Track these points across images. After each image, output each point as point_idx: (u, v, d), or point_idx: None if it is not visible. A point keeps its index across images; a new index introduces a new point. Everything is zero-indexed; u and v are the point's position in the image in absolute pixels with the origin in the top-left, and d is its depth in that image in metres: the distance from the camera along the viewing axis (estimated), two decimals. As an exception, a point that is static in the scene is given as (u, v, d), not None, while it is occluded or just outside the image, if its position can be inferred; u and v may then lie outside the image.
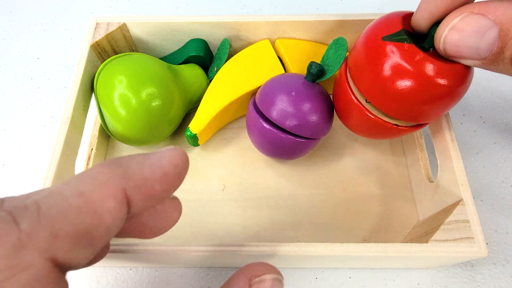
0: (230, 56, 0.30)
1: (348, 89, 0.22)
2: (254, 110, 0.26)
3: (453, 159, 0.22)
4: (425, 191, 0.26)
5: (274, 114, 0.24)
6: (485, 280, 0.25)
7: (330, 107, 0.25)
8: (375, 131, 0.23)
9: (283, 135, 0.24)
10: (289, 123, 0.24)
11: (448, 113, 0.24)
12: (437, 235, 0.20)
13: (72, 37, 0.39)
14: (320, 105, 0.24)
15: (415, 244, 0.20)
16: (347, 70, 0.22)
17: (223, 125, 0.31)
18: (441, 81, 0.18)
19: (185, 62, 0.30)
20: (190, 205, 0.28)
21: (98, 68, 0.28)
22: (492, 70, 0.17)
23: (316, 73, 0.24)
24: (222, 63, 0.29)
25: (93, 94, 0.27)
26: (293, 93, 0.24)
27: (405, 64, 0.18)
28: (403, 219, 0.27)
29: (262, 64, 0.29)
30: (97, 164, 0.11)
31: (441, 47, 0.17)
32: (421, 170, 0.27)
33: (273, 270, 0.14)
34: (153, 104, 0.25)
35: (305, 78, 0.25)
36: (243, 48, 0.30)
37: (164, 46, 0.31)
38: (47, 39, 0.38)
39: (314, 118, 0.24)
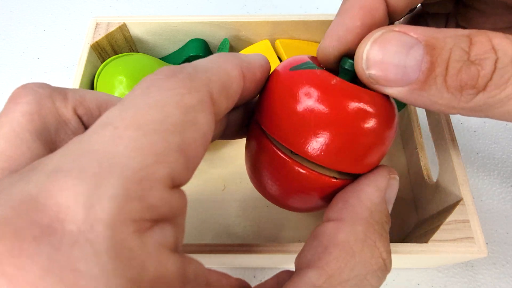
0: (230, 56, 0.30)
1: (268, 142, 0.16)
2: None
3: (453, 159, 0.22)
4: (425, 191, 0.26)
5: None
6: (485, 280, 0.25)
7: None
8: (306, 190, 0.16)
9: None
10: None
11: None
12: (437, 235, 0.20)
13: (72, 37, 0.39)
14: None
15: (415, 244, 0.20)
16: (259, 123, 0.16)
17: (223, 125, 0.31)
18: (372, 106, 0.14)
19: (185, 62, 0.30)
20: (190, 205, 0.28)
21: (98, 68, 0.28)
22: (422, 100, 0.14)
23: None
24: (222, 63, 0.29)
25: (93, 94, 0.27)
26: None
27: (324, 90, 0.14)
28: (403, 219, 0.27)
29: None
30: (217, 53, 0.14)
31: (364, 66, 0.14)
32: (421, 170, 0.27)
33: (397, 173, 0.16)
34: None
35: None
36: (243, 48, 0.30)
37: (164, 46, 0.31)
38: (47, 39, 0.38)
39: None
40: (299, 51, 0.29)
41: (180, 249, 0.11)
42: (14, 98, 0.13)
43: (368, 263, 0.13)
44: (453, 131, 0.23)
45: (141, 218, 0.09)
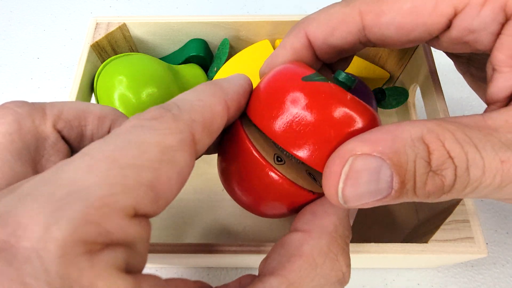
0: (230, 56, 0.30)
1: (251, 147, 0.16)
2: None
3: (453, 159, 0.22)
4: (425, 191, 0.26)
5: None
6: (485, 280, 0.25)
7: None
8: (281, 199, 0.16)
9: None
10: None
11: (448, 113, 0.24)
12: (437, 235, 0.20)
13: (72, 37, 0.39)
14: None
15: (415, 244, 0.20)
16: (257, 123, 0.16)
17: (223, 125, 0.31)
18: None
19: (185, 62, 0.30)
20: (190, 205, 0.28)
21: (98, 68, 0.28)
22: (397, 202, 0.15)
23: (380, 97, 0.20)
24: (222, 63, 0.29)
25: (93, 94, 0.27)
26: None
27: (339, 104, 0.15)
28: (403, 219, 0.27)
29: (262, 64, 0.29)
30: (200, 84, 0.15)
31: (341, 201, 0.14)
32: (421, 170, 0.27)
33: None
34: (153, 104, 0.25)
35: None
36: (243, 48, 0.30)
37: (164, 46, 0.31)
38: (47, 39, 0.38)
39: None
40: (299, 51, 0.29)
41: (138, 270, 0.11)
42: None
43: (328, 275, 0.14)
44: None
45: (93, 241, 0.09)
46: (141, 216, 0.11)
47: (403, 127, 0.13)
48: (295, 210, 0.17)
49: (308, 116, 0.15)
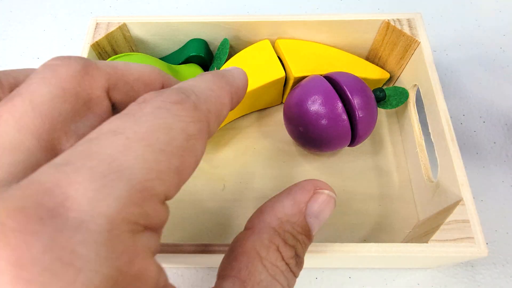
0: (230, 56, 0.30)
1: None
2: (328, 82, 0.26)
3: (453, 159, 0.22)
4: (425, 191, 0.26)
5: (353, 91, 0.25)
6: (485, 280, 0.25)
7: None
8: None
9: (345, 119, 0.25)
10: (361, 110, 0.25)
11: (447, 112, 0.24)
12: (437, 235, 0.20)
13: (72, 37, 0.39)
14: (374, 123, 0.27)
15: (415, 244, 0.20)
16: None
17: (224, 124, 0.31)
18: None
19: (185, 62, 0.30)
20: (190, 205, 0.28)
21: (98, 68, 0.28)
22: None
23: (380, 97, 0.28)
24: (222, 63, 0.29)
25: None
26: (371, 96, 0.26)
27: None
28: (403, 219, 0.27)
29: (262, 64, 0.29)
30: (205, 72, 0.15)
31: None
32: (421, 170, 0.27)
33: (331, 189, 0.17)
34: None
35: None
36: (243, 48, 0.30)
37: (164, 46, 0.31)
38: (47, 39, 0.38)
39: (371, 126, 0.26)
40: (299, 51, 0.29)
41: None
42: (48, 68, 0.13)
43: (274, 266, 0.14)
44: (453, 131, 0.23)
45: (136, 221, 0.10)
46: (166, 200, 0.11)
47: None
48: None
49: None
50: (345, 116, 0.25)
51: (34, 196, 0.09)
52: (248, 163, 0.30)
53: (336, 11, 0.40)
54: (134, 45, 0.30)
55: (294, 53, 0.29)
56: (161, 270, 0.11)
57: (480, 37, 0.37)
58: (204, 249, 0.20)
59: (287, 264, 0.15)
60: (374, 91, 0.28)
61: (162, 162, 0.11)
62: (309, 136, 0.26)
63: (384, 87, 0.31)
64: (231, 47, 0.31)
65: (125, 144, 0.10)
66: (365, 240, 0.26)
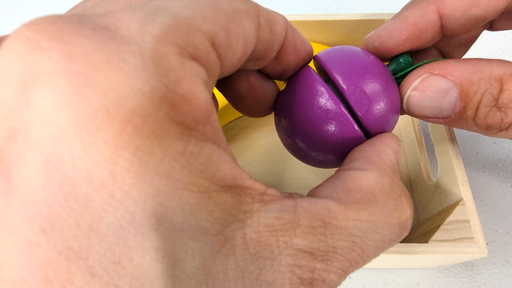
0: (230, 56, 0.30)
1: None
2: (319, 77, 0.17)
3: (453, 159, 0.22)
4: (425, 191, 0.26)
5: (348, 84, 0.16)
6: (485, 280, 0.25)
7: (397, 114, 0.18)
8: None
9: (355, 126, 0.16)
10: (364, 106, 0.16)
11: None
12: (437, 235, 0.20)
13: (72, 37, 0.39)
14: (396, 105, 0.17)
15: (415, 244, 0.20)
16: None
17: (223, 125, 0.31)
18: None
19: (185, 62, 0.30)
20: (190, 205, 0.28)
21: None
22: (455, 127, 0.17)
23: (405, 65, 0.18)
24: (222, 63, 0.29)
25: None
26: (382, 75, 0.17)
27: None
28: (403, 219, 0.27)
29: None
30: None
31: (405, 107, 0.17)
32: (421, 170, 0.27)
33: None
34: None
35: (388, 65, 0.19)
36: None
37: (164, 46, 0.31)
38: None
39: (387, 114, 0.17)
40: (299, 51, 0.29)
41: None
42: None
43: (389, 215, 0.12)
44: (453, 131, 0.23)
45: (183, 46, 0.10)
46: (216, 52, 0.11)
47: (490, 65, 0.15)
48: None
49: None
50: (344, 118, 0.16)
51: (89, 16, 0.10)
52: (248, 163, 0.30)
53: (336, 11, 0.40)
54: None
55: (294, 53, 0.29)
56: (213, 108, 0.11)
57: (480, 37, 0.37)
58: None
59: (406, 218, 0.13)
60: (392, 62, 0.19)
61: (208, 13, 0.11)
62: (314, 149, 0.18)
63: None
64: (231, 47, 0.31)
65: None
66: (365, 240, 0.26)
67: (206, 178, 0.10)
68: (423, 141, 0.28)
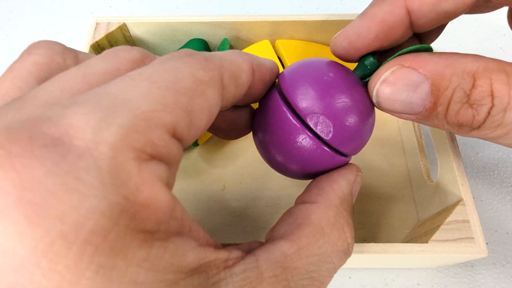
0: (230, 56, 0.30)
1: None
2: (283, 102, 0.17)
3: (453, 159, 0.22)
4: (425, 191, 0.26)
5: (308, 110, 0.16)
6: (485, 280, 0.25)
7: (373, 119, 0.18)
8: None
9: (320, 144, 0.16)
10: (326, 128, 0.16)
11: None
12: (437, 235, 0.20)
13: (72, 37, 0.39)
14: (367, 115, 0.17)
15: (415, 244, 0.20)
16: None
17: (223, 125, 0.31)
18: None
19: (185, 62, 0.30)
20: (190, 205, 0.28)
21: (98, 68, 0.28)
22: (427, 124, 0.16)
23: (371, 67, 0.17)
24: (222, 63, 0.29)
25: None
26: (342, 91, 0.16)
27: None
28: (403, 219, 0.27)
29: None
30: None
31: (374, 101, 0.16)
32: (421, 170, 0.27)
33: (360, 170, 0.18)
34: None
35: (354, 71, 0.18)
36: (243, 48, 0.30)
37: (164, 46, 0.31)
38: (47, 39, 0.38)
39: (358, 129, 0.16)
40: (299, 51, 0.29)
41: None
42: (28, 49, 0.15)
43: (334, 244, 0.14)
44: (453, 131, 0.23)
45: (141, 149, 0.10)
46: (178, 139, 0.11)
47: (464, 59, 0.14)
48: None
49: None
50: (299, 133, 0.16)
51: (39, 125, 0.09)
52: (248, 163, 0.30)
53: (336, 11, 0.40)
54: (134, 45, 0.30)
55: (294, 53, 0.29)
56: (176, 202, 0.11)
57: (480, 37, 0.37)
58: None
59: (348, 244, 0.15)
60: (358, 67, 0.18)
61: (168, 97, 0.11)
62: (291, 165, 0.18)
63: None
64: (231, 47, 0.31)
65: (131, 84, 0.11)
66: (365, 240, 0.26)
67: (172, 272, 0.10)
68: (423, 141, 0.28)
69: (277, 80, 0.18)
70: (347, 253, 0.15)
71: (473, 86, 0.14)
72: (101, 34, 0.28)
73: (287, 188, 0.28)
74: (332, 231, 0.14)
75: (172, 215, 0.10)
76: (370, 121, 0.17)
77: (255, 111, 0.19)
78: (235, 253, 0.12)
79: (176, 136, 0.11)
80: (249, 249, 0.13)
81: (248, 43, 0.30)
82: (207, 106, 0.12)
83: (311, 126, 0.16)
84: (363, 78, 0.18)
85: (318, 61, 0.18)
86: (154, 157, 0.10)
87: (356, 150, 0.18)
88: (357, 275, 0.26)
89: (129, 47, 0.14)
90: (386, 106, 0.16)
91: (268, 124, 0.17)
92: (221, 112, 0.17)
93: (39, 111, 0.10)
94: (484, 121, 0.14)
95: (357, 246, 0.20)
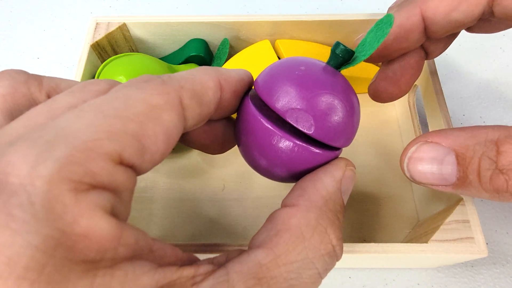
0: (230, 56, 0.30)
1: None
2: (253, 106, 0.17)
3: (453, 159, 0.22)
4: (425, 191, 0.26)
5: (285, 108, 0.15)
6: (485, 280, 0.25)
7: (357, 105, 0.17)
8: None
9: (296, 141, 0.16)
10: (307, 122, 0.15)
11: (448, 113, 0.24)
12: (437, 235, 0.20)
13: (72, 37, 0.39)
14: (348, 101, 0.16)
15: (415, 244, 0.20)
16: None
17: (223, 125, 0.31)
18: None
19: (185, 62, 0.30)
20: (190, 205, 0.28)
21: (98, 68, 0.28)
22: (468, 195, 0.17)
23: (343, 55, 0.17)
24: (222, 63, 0.29)
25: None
26: (316, 81, 0.16)
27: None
28: (403, 219, 0.27)
29: (262, 64, 0.29)
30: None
31: (408, 175, 0.17)
32: (421, 170, 0.27)
33: (354, 165, 0.17)
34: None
35: (328, 62, 0.17)
36: (243, 48, 0.30)
37: (164, 46, 0.31)
38: (47, 39, 0.38)
39: (341, 116, 0.16)
40: (299, 51, 0.29)
41: (122, 218, 0.11)
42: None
43: (316, 248, 0.14)
44: (453, 131, 0.23)
45: (79, 180, 0.10)
46: (127, 166, 0.11)
47: (484, 130, 0.15)
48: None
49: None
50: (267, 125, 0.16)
51: None
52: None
53: (336, 11, 0.40)
54: (134, 45, 0.30)
55: (294, 53, 0.29)
56: (124, 228, 0.10)
57: (480, 37, 0.37)
58: (204, 249, 0.20)
59: (333, 246, 0.14)
60: (330, 58, 0.17)
61: (115, 125, 0.11)
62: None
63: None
64: (231, 47, 0.31)
65: (78, 115, 0.11)
66: (365, 240, 0.26)
67: None
68: (423, 141, 0.28)
69: (253, 87, 0.18)
70: (333, 256, 0.14)
71: (498, 152, 0.14)
72: (101, 34, 0.28)
73: (287, 188, 0.28)
74: (313, 235, 0.14)
75: (120, 242, 0.10)
76: (353, 109, 0.17)
77: (235, 120, 0.19)
78: (204, 268, 0.12)
79: (124, 163, 0.11)
80: (227, 260, 0.13)
81: (248, 43, 0.30)
82: (163, 130, 0.12)
83: (291, 122, 0.15)
84: (338, 67, 0.17)
85: (287, 60, 0.17)
86: (95, 187, 0.10)
87: (345, 141, 0.17)
88: (357, 275, 0.26)
89: (99, 80, 0.14)
90: (421, 180, 0.17)
91: (246, 132, 0.17)
92: (199, 129, 0.17)
93: None
94: None
95: (357, 246, 0.20)
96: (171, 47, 0.31)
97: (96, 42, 0.27)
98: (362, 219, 0.27)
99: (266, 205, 0.28)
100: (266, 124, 0.16)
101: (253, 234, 0.27)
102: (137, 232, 0.11)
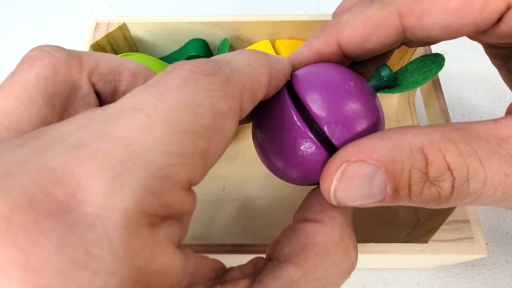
0: (230, 56, 0.30)
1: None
2: (292, 104, 0.16)
3: (453, 159, 0.22)
4: (425, 191, 0.26)
5: (326, 119, 0.15)
6: (485, 280, 0.25)
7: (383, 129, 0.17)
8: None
9: (328, 157, 0.15)
10: (341, 138, 0.15)
11: (448, 113, 0.24)
12: (437, 235, 0.20)
13: (72, 37, 0.39)
14: (380, 125, 0.16)
15: (415, 244, 0.20)
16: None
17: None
18: None
19: (185, 62, 0.30)
20: (190, 205, 0.28)
21: (98, 68, 0.28)
22: (395, 204, 0.16)
23: (387, 79, 0.17)
24: (222, 63, 0.29)
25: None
26: (363, 103, 0.16)
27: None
28: (403, 219, 0.27)
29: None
30: (244, 49, 0.14)
31: (334, 202, 0.15)
32: (421, 170, 0.27)
33: None
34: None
35: (369, 81, 0.17)
36: (243, 48, 0.30)
37: (164, 46, 0.31)
38: (47, 39, 0.38)
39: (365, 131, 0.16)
40: (299, 51, 0.29)
41: (182, 244, 0.11)
42: (29, 59, 0.13)
43: (340, 265, 0.14)
44: (453, 131, 0.23)
45: (155, 213, 0.09)
46: (190, 187, 0.11)
47: (405, 136, 0.14)
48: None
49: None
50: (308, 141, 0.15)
51: (43, 186, 0.08)
52: (248, 163, 0.30)
53: (336, 11, 0.40)
54: (134, 45, 0.30)
55: (294, 53, 0.29)
56: (187, 258, 0.10)
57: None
58: (204, 249, 0.20)
59: (352, 262, 0.15)
60: (375, 77, 0.18)
61: (186, 145, 0.10)
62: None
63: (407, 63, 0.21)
64: (231, 47, 0.31)
65: (146, 124, 0.09)
66: (365, 240, 0.26)
67: None
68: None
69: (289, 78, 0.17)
70: (350, 271, 0.15)
71: (427, 163, 0.13)
72: (101, 34, 0.28)
73: (287, 188, 0.28)
74: (338, 252, 0.14)
75: (186, 273, 0.10)
76: (377, 130, 0.17)
77: (257, 106, 0.17)
78: (242, 284, 0.12)
79: (190, 186, 0.10)
80: (254, 270, 0.13)
81: (248, 43, 0.30)
82: (224, 142, 0.11)
83: (328, 134, 0.15)
84: (377, 89, 0.17)
85: (335, 68, 0.17)
86: (167, 218, 0.10)
87: None
88: (357, 275, 0.26)
89: (48, 46, 0.13)
90: (349, 204, 0.15)
91: (271, 124, 0.16)
92: None
93: (40, 157, 0.09)
94: (451, 195, 0.13)
95: (357, 246, 0.20)
96: (171, 47, 0.31)
97: (96, 42, 0.27)
98: (362, 219, 0.27)
99: (266, 205, 0.28)
100: (302, 127, 0.15)
101: (253, 234, 0.27)
102: (196, 259, 0.11)
